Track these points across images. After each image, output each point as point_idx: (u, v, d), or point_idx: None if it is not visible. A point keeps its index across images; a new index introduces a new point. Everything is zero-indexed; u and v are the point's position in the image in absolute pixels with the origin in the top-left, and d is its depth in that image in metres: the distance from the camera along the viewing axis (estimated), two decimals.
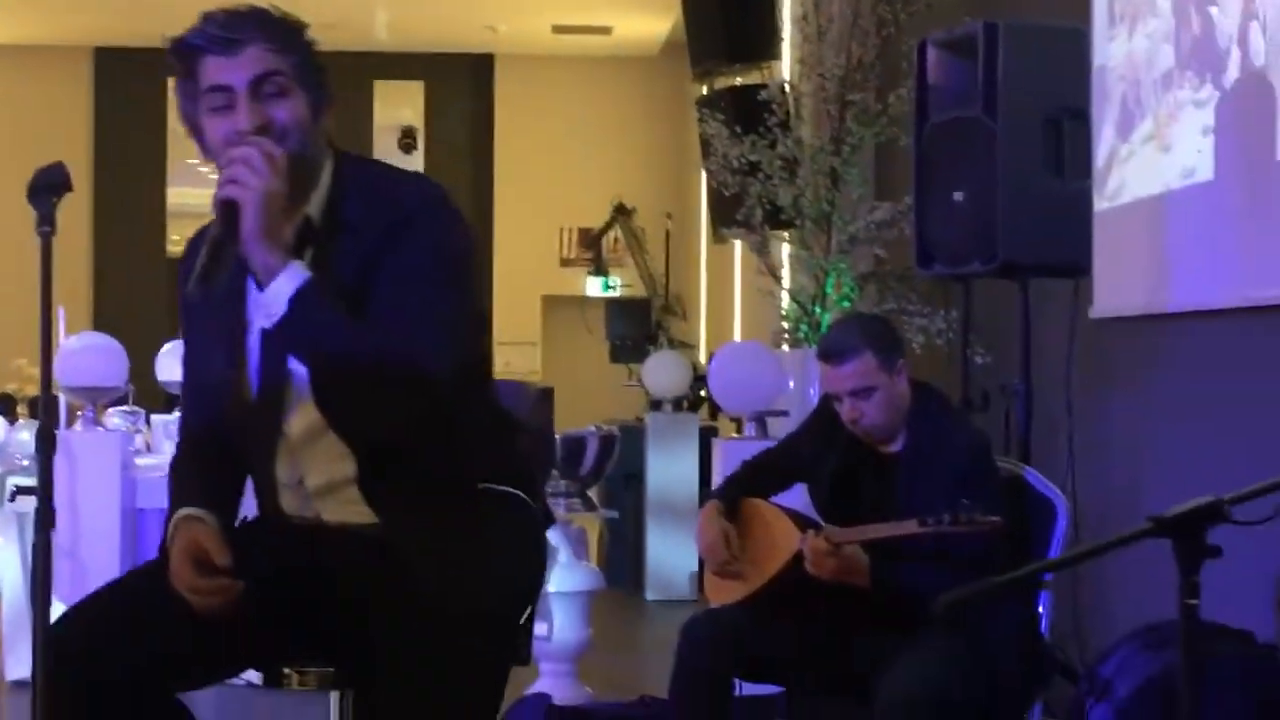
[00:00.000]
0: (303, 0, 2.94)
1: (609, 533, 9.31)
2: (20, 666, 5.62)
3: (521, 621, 2.64)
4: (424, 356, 2.42)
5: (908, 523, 3.56)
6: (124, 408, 7.01)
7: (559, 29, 15.21)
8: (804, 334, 7.62)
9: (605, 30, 15.32)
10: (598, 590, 6.08)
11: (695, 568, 7.51)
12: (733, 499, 4.07)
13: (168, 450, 6.77)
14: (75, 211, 13.97)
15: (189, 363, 2.77)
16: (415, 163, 15.56)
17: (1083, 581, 5.21)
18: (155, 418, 7.25)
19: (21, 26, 14.75)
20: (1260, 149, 4.45)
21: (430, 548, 2.47)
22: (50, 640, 2.38)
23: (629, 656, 7.07)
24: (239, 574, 2.49)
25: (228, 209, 2.44)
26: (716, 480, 6.09)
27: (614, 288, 13.88)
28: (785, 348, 7.81)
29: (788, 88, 7.99)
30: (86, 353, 6.44)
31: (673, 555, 8.58)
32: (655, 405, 9.08)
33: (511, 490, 2.60)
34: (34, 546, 2.37)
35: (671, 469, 8.78)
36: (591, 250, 13.78)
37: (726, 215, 8.24)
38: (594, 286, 13.98)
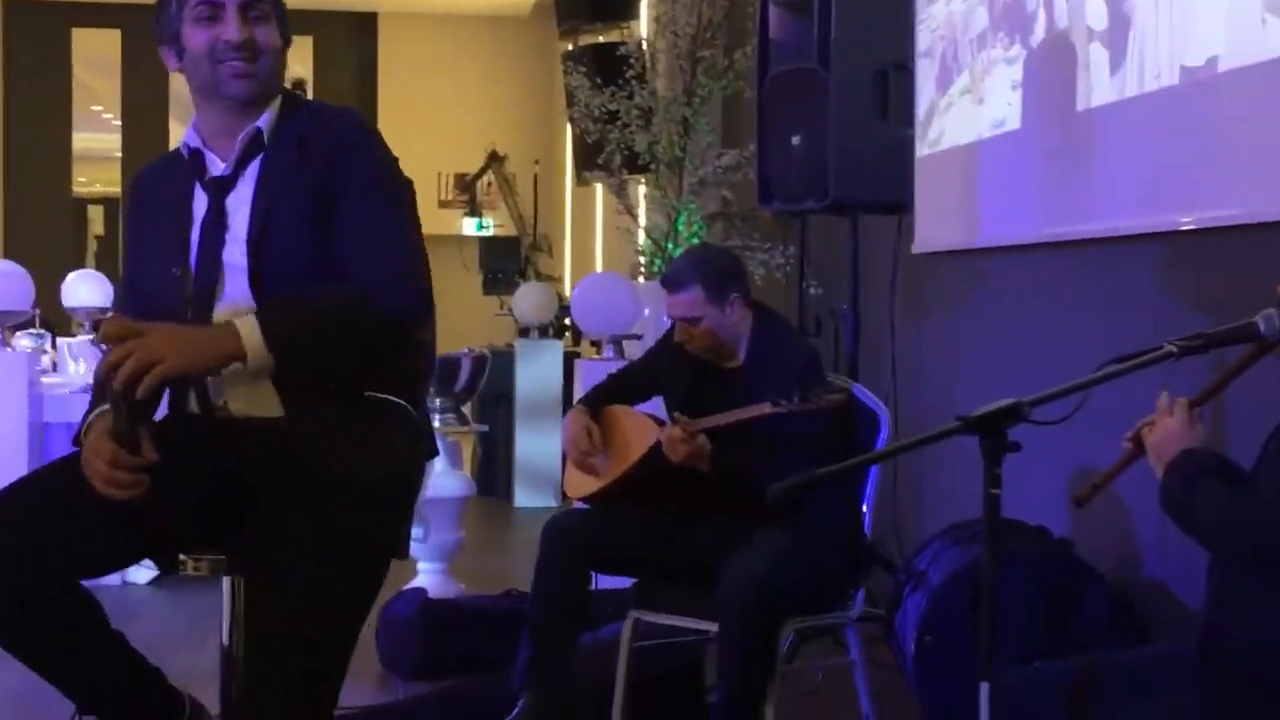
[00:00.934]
0: None
1: (481, 446, 9.32)
2: None
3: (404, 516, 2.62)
4: (397, 295, 2.46)
5: (761, 404, 3.59)
6: (31, 330, 6.93)
7: None
8: (658, 267, 7.66)
9: None
10: (470, 497, 6.08)
11: (559, 477, 7.53)
12: (596, 404, 4.08)
13: (72, 370, 6.66)
14: None
15: (134, 265, 2.72)
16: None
17: (901, 486, 5.29)
18: (60, 340, 7.12)
19: None
20: (1062, 101, 4.50)
21: (330, 440, 2.45)
22: None
23: (498, 556, 7.08)
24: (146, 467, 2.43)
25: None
26: (578, 395, 6.09)
27: (487, 227, 13.80)
28: (641, 279, 7.85)
29: (644, 44, 7.98)
30: None
31: (539, 466, 8.62)
32: (524, 332, 9.09)
33: (396, 400, 2.58)
34: None
35: (538, 389, 8.80)
36: (467, 194, 13.70)
37: (589, 160, 8.23)
38: (469, 227, 13.88)
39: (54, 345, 7.13)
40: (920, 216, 5.49)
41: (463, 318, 12.36)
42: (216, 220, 2.55)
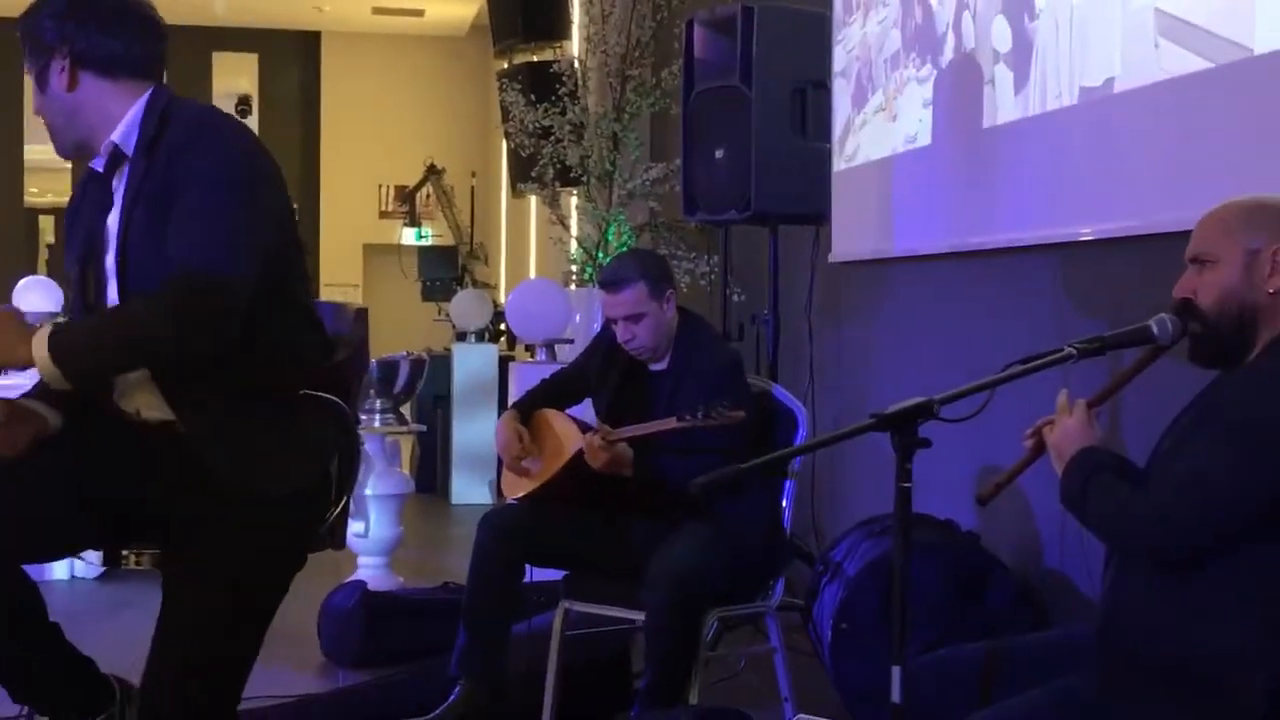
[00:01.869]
0: None
1: (420, 446, 9.27)
2: None
3: (338, 510, 2.59)
4: (220, 266, 2.35)
5: (668, 420, 3.60)
6: None
7: (378, 10, 14.95)
8: (589, 275, 7.65)
9: (419, 13, 15.11)
10: (409, 494, 6.05)
11: (494, 476, 7.50)
12: (527, 409, 4.06)
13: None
14: None
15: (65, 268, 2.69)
16: (250, 127, 15.15)
17: (818, 483, 5.32)
18: None
19: None
20: (970, 119, 4.54)
21: (231, 441, 2.41)
22: None
23: (435, 551, 7.04)
24: (70, 456, 2.40)
25: None
26: (513, 397, 6.08)
27: (426, 237, 13.72)
28: (573, 286, 7.83)
29: (576, 63, 7.96)
30: None
31: (475, 465, 8.58)
32: (461, 337, 9.06)
33: (327, 396, 2.54)
34: None
35: (474, 391, 8.77)
36: (406, 205, 13.61)
37: (523, 173, 8.20)
38: (409, 236, 13.79)
39: None
40: (837, 227, 5.52)
41: (402, 323, 12.33)
42: (97, 231, 2.53)
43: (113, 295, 2.49)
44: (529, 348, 7.76)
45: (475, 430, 8.53)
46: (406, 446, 8.83)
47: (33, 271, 11.57)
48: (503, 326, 9.40)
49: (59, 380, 2.32)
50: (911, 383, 4.97)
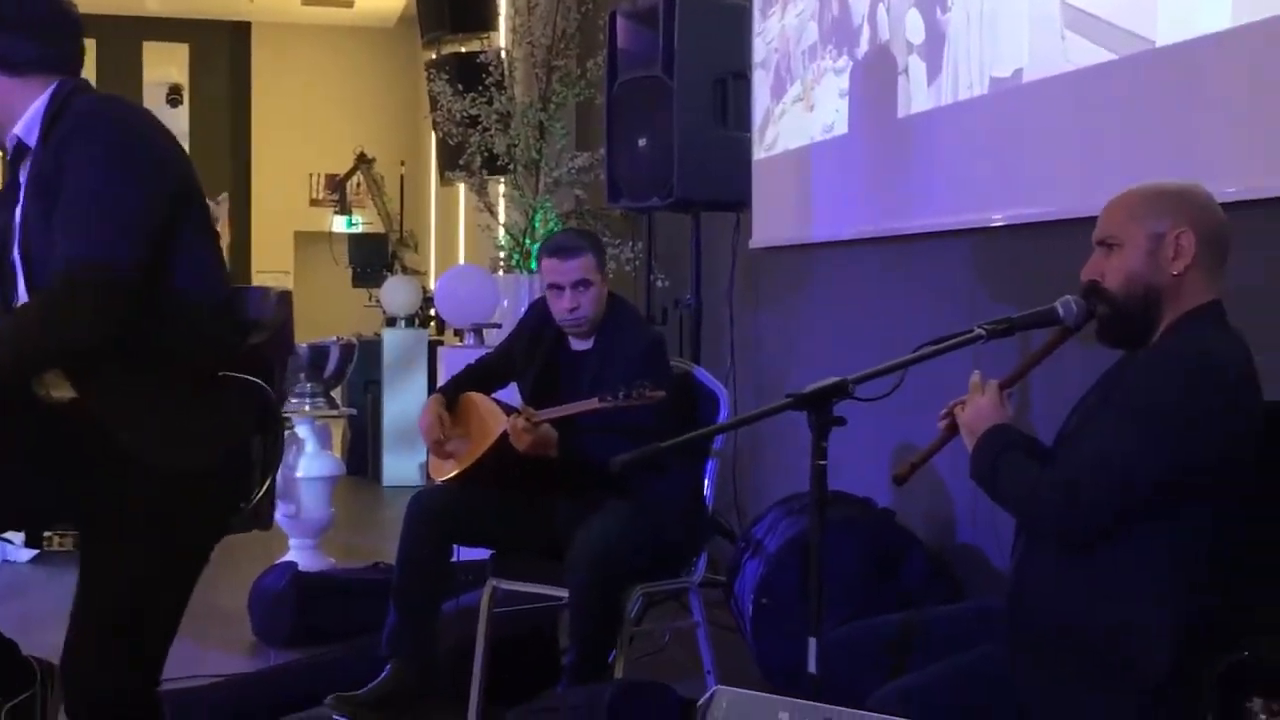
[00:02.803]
0: None
1: (351, 429, 9.21)
2: None
3: (262, 490, 2.55)
4: (101, 255, 2.30)
5: (590, 400, 3.59)
6: None
7: (308, 1, 14.79)
8: (516, 261, 7.62)
9: (348, 4, 14.97)
10: (340, 476, 6.00)
11: (424, 458, 7.48)
12: (452, 393, 4.03)
13: None
14: None
15: None
16: (180, 116, 14.98)
17: (740, 463, 5.33)
18: None
19: None
20: (885, 109, 4.55)
21: (137, 420, 2.36)
22: None
23: (366, 532, 6.98)
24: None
25: None
26: (441, 381, 6.04)
27: (356, 224, 13.59)
28: (501, 272, 7.80)
29: (503, 54, 7.94)
30: None
31: (405, 447, 8.53)
32: (391, 322, 9.00)
33: (247, 378, 2.50)
34: None
35: (404, 375, 8.72)
36: (337, 193, 13.49)
37: (451, 162, 8.15)
38: (339, 224, 13.65)
39: None
40: (757, 214, 5.53)
41: (333, 309, 12.23)
42: (7, 224, 2.48)
43: (22, 289, 2.44)
44: (458, 332, 7.71)
45: (405, 413, 8.47)
46: (337, 430, 8.76)
47: None
48: (432, 312, 9.35)
49: None
50: (829, 365, 4.98)
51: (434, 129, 8.50)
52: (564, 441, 3.65)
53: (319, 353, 5.96)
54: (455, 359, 5.62)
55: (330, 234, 13.02)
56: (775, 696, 1.49)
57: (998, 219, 3.94)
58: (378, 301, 9.47)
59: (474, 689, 3.84)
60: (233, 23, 15.73)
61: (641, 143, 5.43)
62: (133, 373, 2.38)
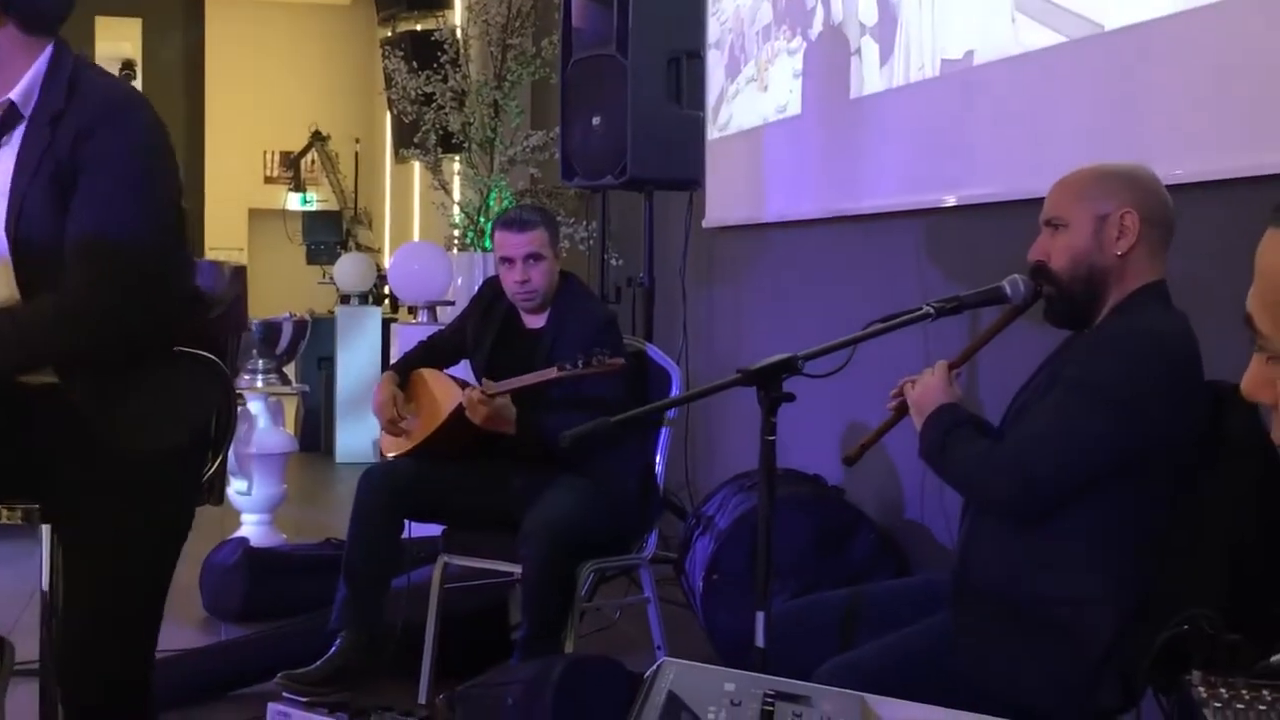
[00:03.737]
0: None
1: (304, 406, 9.15)
2: None
3: (215, 465, 2.52)
4: (127, 235, 2.26)
5: (549, 370, 3.58)
6: None
7: None
8: (470, 239, 7.59)
9: None
10: (292, 453, 5.97)
11: (377, 434, 7.45)
12: (405, 370, 4.02)
13: None
14: None
15: None
16: (148, 101, 14.78)
17: (691, 440, 5.33)
18: None
19: None
20: (838, 90, 4.56)
21: (111, 399, 2.33)
22: None
23: (319, 508, 6.95)
24: None
25: None
26: (395, 358, 6.01)
27: (310, 202, 13.51)
28: (455, 250, 7.76)
29: (458, 32, 7.88)
30: None
31: (358, 424, 8.48)
32: (344, 299, 8.95)
33: (201, 353, 2.47)
34: None
35: (357, 352, 8.68)
36: (291, 170, 13.39)
37: (406, 139, 8.09)
38: (294, 201, 13.55)
39: None
40: (710, 193, 5.53)
41: (286, 286, 12.13)
42: None
43: (1, 245, 2.38)
44: (411, 309, 7.68)
45: (358, 390, 8.43)
46: (290, 406, 8.71)
47: None
48: (386, 289, 9.30)
49: None
50: (781, 343, 4.95)
51: (389, 106, 8.44)
52: (522, 417, 3.64)
53: (271, 329, 5.92)
54: (409, 336, 5.59)
55: (284, 211, 12.92)
56: (722, 668, 1.49)
57: (948, 199, 3.95)
58: (331, 279, 9.43)
59: (425, 664, 3.83)
60: None
61: (595, 121, 5.41)
62: (102, 355, 2.34)
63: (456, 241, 7.81)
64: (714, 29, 5.49)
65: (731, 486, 4.35)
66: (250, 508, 5.72)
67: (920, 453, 2.46)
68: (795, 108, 4.90)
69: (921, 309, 2.42)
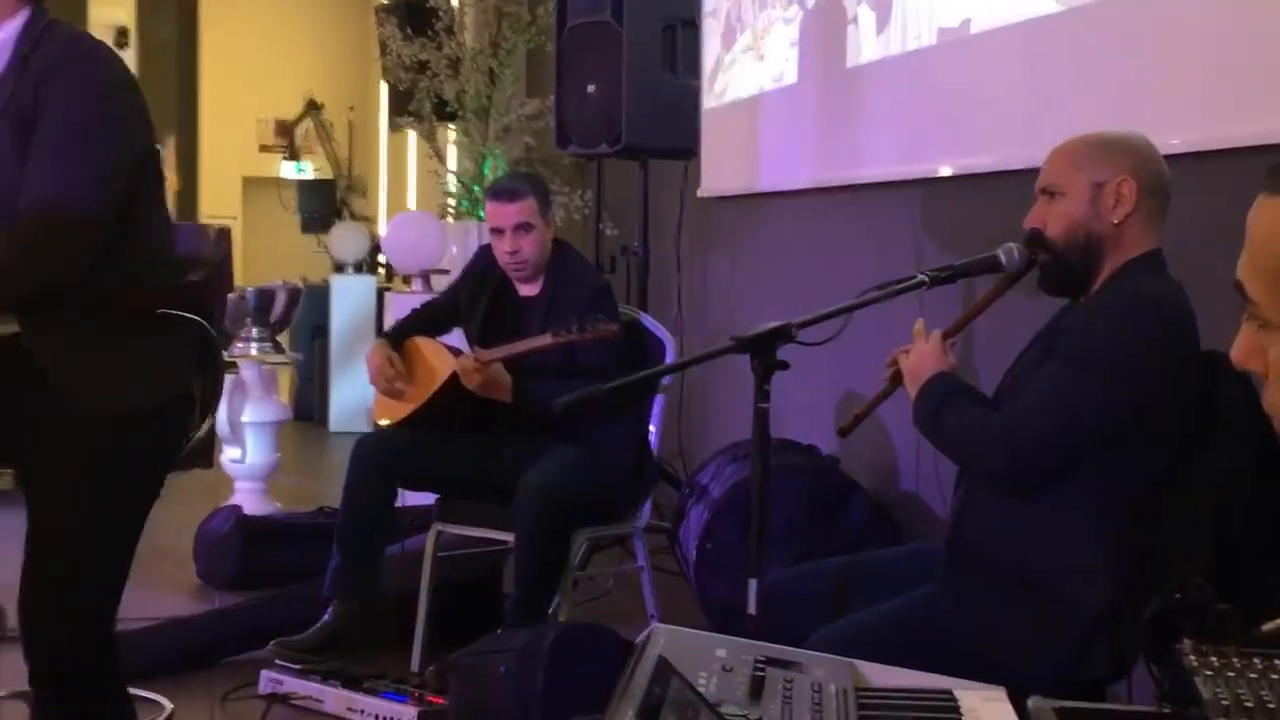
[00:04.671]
0: None
1: (298, 374, 9.14)
2: None
3: (203, 429, 2.51)
4: (78, 201, 2.24)
5: (543, 336, 3.58)
6: None
7: None
8: (465, 208, 7.56)
9: None
10: (285, 421, 5.97)
11: (371, 403, 7.45)
12: (398, 337, 4.01)
13: None
14: None
15: None
16: (128, 60, 14.62)
17: (685, 409, 5.32)
18: None
19: None
20: (834, 59, 4.54)
21: (75, 359, 2.32)
22: None
23: (312, 477, 6.95)
24: None
25: None
26: (388, 327, 6.01)
27: (305, 171, 13.46)
28: (450, 219, 7.74)
29: None
30: None
31: (352, 393, 8.47)
32: (339, 268, 8.94)
33: (186, 315, 2.45)
34: None
35: (352, 321, 8.67)
36: (286, 139, 13.35)
37: (401, 108, 8.06)
38: (288, 170, 13.51)
39: None
40: (706, 163, 5.51)
41: (281, 254, 12.11)
42: None
43: None
44: (406, 279, 7.67)
45: (353, 358, 8.41)
46: (285, 375, 8.70)
47: None
48: (380, 258, 9.29)
49: None
50: (776, 313, 4.91)
51: (384, 75, 8.40)
52: (518, 385, 3.64)
53: (265, 297, 5.91)
54: (403, 305, 5.57)
55: (279, 180, 12.89)
56: (714, 634, 1.49)
57: (944, 169, 3.94)
58: (326, 248, 9.40)
59: (418, 632, 3.84)
60: None
61: (591, 89, 5.39)
62: (69, 311, 2.33)
63: (451, 210, 7.79)
64: None
65: (725, 455, 4.35)
66: (244, 476, 5.71)
67: (914, 421, 2.46)
68: (791, 77, 4.88)
69: (916, 277, 2.41)
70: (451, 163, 7.92)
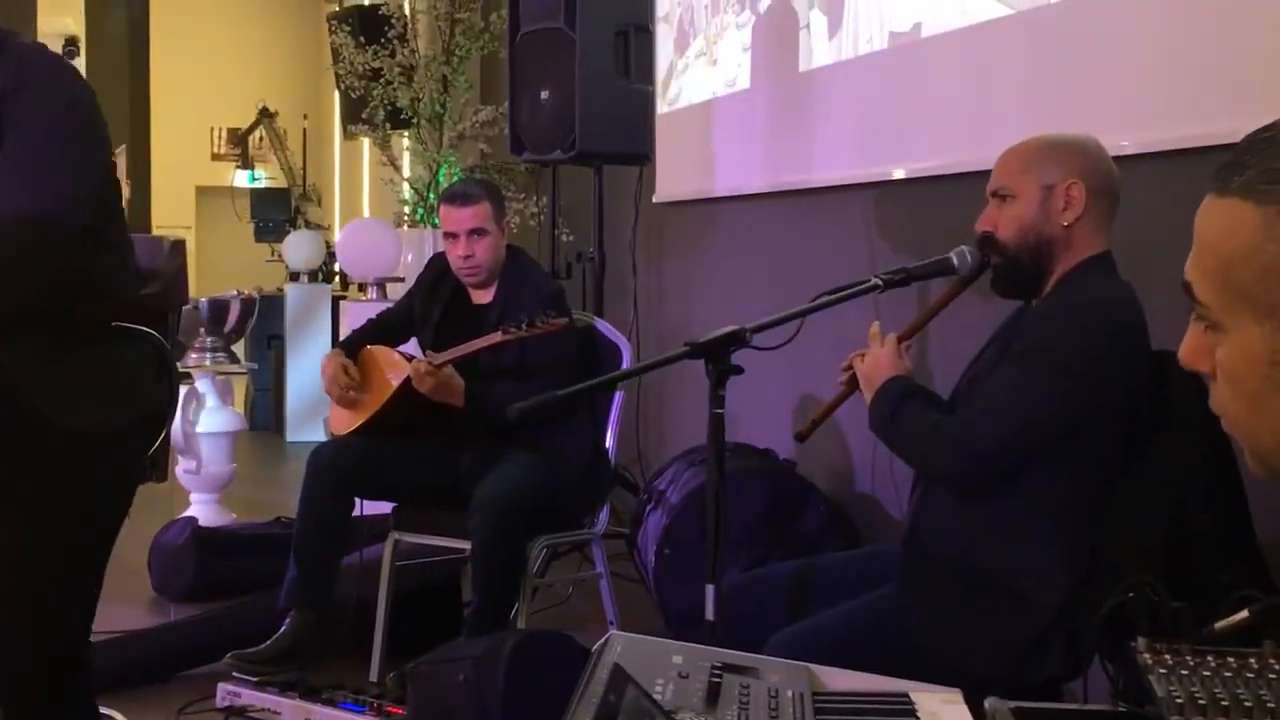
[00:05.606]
0: None
1: (254, 384, 9.08)
2: None
3: (158, 442, 2.48)
4: (53, 218, 2.22)
5: (493, 335, 3.57)
6: None
7: None
8: (420, 215, 7.54)
9: None
10: (241, 431, 5.92)
11: (327, 413, 7.42)
12: (352, 347, 3.99)
13: None
14: None
15: None
16: (78, 68, 14.57)
17: (643, 416, 5.33)
18: None
19: None
20: (786, 63, 4.55)
21: (45, 375, 2.29)
22: None
23: (269, 487, 6.91)
24: None
25: None
26: (344, 336, 5.98)
27: (259, 179, 13.40)
28: (405, 226, 7.71)
29: (406, 6, 7.80)
30: None
31: (309, 402, 8.43)
32: (294, 277, 8.89)
33: (143, 329, 2.43)
34: None
35: (307, 330, 8.63)
36: (239, 147, 13.28)
37: (355, 115, 8.01)
38: (241, 179, 13.44)
39: None
40: (660, 168, 5.51)
41: (235, 264, 12.06)
42: None
43: None
44: (361, 286, 7.63)
45: (308, 368, 8.35)
46: (240, 385, 8.65)
47: None
48: (335, 266, 9.24)
49: None
50: (732, 318, 4.94)
51: (337, 82, 8.36)
52: (471, 390, 3.63)
53: (219, 307, 5.87)
54: (359, 314, 5.55)
55: (232, 188, 12.82)
56: (670, 641, 1.49)
57: (897, 172, 3.95)
58: (280, 256, 9.36)
59: (376, 642, 3.81)
60: None
61: (544, 95, 5.38)
62: (36, 328, 2.30)
63: (406, 218, 7.76)
64: (662, 3, 5.47)
65: (683, 461, 4.35)
66: (199, 487, 5.67)
67: (870, 425, 2.46)
68: (744, 82, 4.88)
69: (870, 281, 2.42)
70: (406, 170, 7.89)
